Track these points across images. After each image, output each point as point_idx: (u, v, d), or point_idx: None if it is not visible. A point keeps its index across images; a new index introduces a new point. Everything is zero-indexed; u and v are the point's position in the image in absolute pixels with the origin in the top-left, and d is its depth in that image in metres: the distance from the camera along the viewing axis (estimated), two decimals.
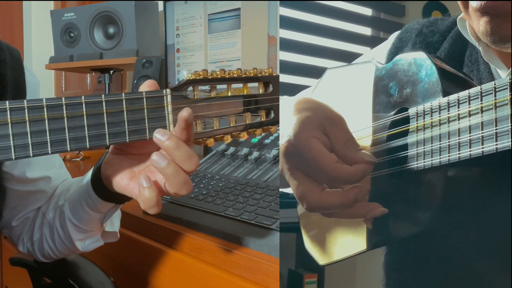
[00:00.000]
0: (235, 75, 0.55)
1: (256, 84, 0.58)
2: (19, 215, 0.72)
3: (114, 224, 0.70)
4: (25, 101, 0.46)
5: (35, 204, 0.72)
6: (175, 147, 0.49)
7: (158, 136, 0.50)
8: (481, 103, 0.39)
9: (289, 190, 0.73)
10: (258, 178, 0.83)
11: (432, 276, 0.51)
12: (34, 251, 0.73)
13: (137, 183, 0.51)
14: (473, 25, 0.51)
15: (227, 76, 0.55)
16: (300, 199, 0.49)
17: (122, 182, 0.54)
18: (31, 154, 0.46)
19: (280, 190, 0.74)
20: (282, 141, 0.49)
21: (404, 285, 0.57)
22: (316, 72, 1.62)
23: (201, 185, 0.84)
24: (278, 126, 0.59)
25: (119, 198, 0.59)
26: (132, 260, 0.80)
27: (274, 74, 0.58)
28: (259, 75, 0.57)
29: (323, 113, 0.50)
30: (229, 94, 0.55)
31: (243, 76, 0.56)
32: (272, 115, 0.58)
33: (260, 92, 0.58)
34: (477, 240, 0.47)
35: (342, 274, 1.31)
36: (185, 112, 0.50)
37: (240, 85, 0.56)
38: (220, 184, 0.82)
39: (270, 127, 0.59)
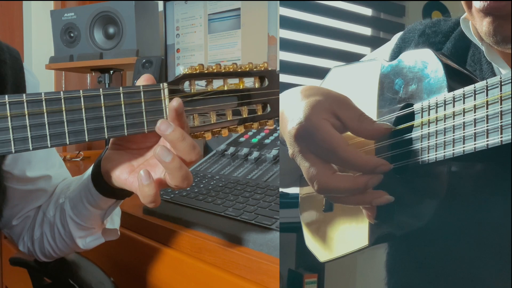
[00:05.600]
0: (231, 70, 0.56)
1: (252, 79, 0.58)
2: (20, 214, 0.72)
3: (114, 221, 0.70)
4: (24, 95, 0.46)
5: (36, 203, 0.72)
6: (180, 138, 0.49)
7: (163, 127, 0.50)
8: (487, 97, 0.40)
9: (289, 190, 0.73)
10: (258, 178, 0.83)
11: (435, 275, 0.51)
12: (34, 250, 0.73)
13: (137, 177, 0.52)
14: (476, 25, 0.51)
15: (223, 71, 0.55)
16: (311, 180, 0.48)
17: (122, 176, 0.54)
18: (30, 148, 0.47)
19: (280, 190, 0.74)
20: (293, 124, 0.49)
21: (406, 283, 0.57)
22: (316, 72, 1.62)
23: (201, 185, 0.84)
24: (275, 120, 0.60)
25: (119, 194, 0.60)
26: (132, 260, 0.80)
27: (270, 69, 0.59)
28: (255, 69, 0.58)
29: (330, 97, 0.50)
30: (226, 88, 0.56)
31: (239, 70, 0.56)
32: (269, 109, 0.59)
33: (256, 87, 0.58)
34: (480, 238, 0.47)
35: (343, 274, 1.32)
36: (174, 102, 0.50)
37: (237, 80, 0.57)
38: (220, 184, 0.82)
39: (267, 121, 0.59)
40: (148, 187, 0.50)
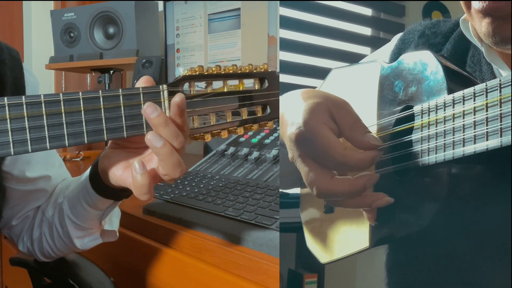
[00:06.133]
0: (231, 71, 0.56)
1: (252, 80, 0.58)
2: (19, 214, 0.72)
3: (113, 223, 0.70)
4: (23, 97, 0.47)
5: (35, 203, 0.72)
6: (164, 124, 0.49)
7: (148, 111, 0.50)
8: (486, 99, 0.40)
9: (289, 190, 0.73)
10: (258, 178, 0.83)
11: (435, 276, 0.51)
12: (34, 250, 0.73)
13: (131, 170, 0.52)
14: (475, 26, 0.51)
15: (223, 72, 0.55)
16: (310, 185, 0.49)
17: (117, 172, 0.55)
18: (30, 150, 0.47)
19: (280, 190, 0.74)
20: (292, 129, 0.49)
21: (406, 284, 0.57)
22: (316, 72, 1.62)
23: (201, 185, 0.84)
24: (275, 121, 0.60)
25: (116, 195, 0.60)
26: (132, 260, 0.80)
27: (270, 70, 0.59)
28: (255, 71, 0.58)
29: (329, 99, 0.50)
30: (225, 90, 0.56)
31: (239, 72, 0.57)
32: (269, 110, 0.59)
33: (256, 88, 0.58)
34: (480, 240, 0.47)
35: (342, 274, 1.31)
36: (177, 98, 0.50)
37: (237, 81, 0.57)
38: (220, 184, 0.82)
39: (266, 122, 0.59)
40: (142, 176, 0.50)
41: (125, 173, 0.54)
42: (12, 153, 0.46)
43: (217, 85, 0.56)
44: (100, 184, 0.59)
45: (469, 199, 0.45)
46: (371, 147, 0.49)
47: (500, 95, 0.38)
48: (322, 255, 0.59)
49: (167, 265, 0.71)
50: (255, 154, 0.90)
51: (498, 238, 0.45)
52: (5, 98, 0.46)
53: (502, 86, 0.38)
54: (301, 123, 0.48)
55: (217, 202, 0.74)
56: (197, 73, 0.54)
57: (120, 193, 0.60)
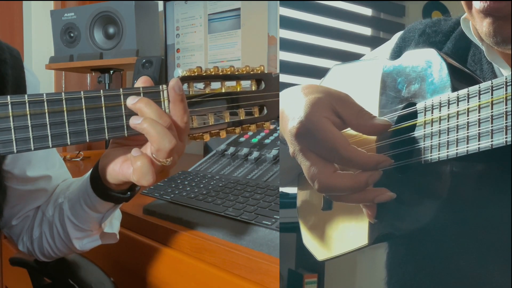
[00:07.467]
0: (228, 73, 0.57)
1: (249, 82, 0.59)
2: (19, 214, 0.72)
3: (113, 225, 0.70)
4: (26, 95, 0.47)
5: (35, 203, 0.72)
6: (145, 106, 0.50)
7: (130, 101, 0.51)
8: (492, 97, 0.40)
9: (289, 190, 0.73)
10: (258, 178, 0.83)
11: (435, 274, 0.51)
12: (34, 250, 0.73)
13: (129, 162, 0.52)
14: (476, 26, 0.51)
15: (221, 74, 0.56)
16: (311, 179, 0.48)
17: (116, 167, 0.55)
18: (32, 148, 0.47)
19: (280, 190, 0.74)
20: (293, 123, 0.49)
21: (406, 284, 0.57)
22: (316, 72, 1.62)
23: (201, 185, 0.84)
24: (272, 122, 0.60)
25: (116, 198, 0.60)
26: (132, 260, 0.80)
27: (266, 72, 0.59)
28: (251, 72, 0.58)
29: (330, 94, 0.50)
30: (223, 91, 0.57)
31: (236, 73, 0.57)
32: (265, 111, 0.60)
33: (253, 89, 0.59)
34: (482, 238, 0.47)
35: (343, 274, 1.32)
36: (172, 82, 0.51)
37: (234, 82, 0.58)
38: (220, 184, 0.82)
39: (263, 123, 0.60)
40: (140, 158, 0.51)
41: (124, 165, 0.55)
42: (15, 151, 0.47)
43: (215, 86, 0.57)
44: (101, 186, 0.59)
45: (472, 198, 0.45)
46: (381, 128, 0.49)
47: (506, 93, 0.38)
48: (319, 252, 0.59)
49: (167, 265, 0.71)
50: (255, 154, 0.90)
51: (500, 237, 0.45)
52: (8, 97, 0.46)
53: (508, 84, 0.38)
54: (302, 117, 0.48)
55: (217, 202, 0.74)
56: (196, 74, 0.55)
57: (120, 197, 0.60)
